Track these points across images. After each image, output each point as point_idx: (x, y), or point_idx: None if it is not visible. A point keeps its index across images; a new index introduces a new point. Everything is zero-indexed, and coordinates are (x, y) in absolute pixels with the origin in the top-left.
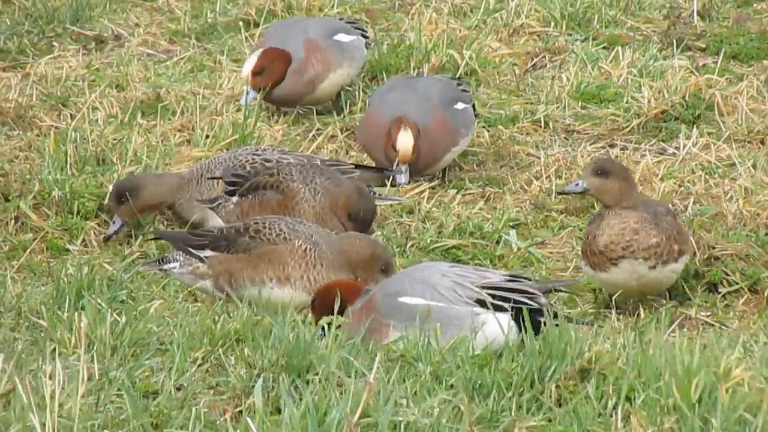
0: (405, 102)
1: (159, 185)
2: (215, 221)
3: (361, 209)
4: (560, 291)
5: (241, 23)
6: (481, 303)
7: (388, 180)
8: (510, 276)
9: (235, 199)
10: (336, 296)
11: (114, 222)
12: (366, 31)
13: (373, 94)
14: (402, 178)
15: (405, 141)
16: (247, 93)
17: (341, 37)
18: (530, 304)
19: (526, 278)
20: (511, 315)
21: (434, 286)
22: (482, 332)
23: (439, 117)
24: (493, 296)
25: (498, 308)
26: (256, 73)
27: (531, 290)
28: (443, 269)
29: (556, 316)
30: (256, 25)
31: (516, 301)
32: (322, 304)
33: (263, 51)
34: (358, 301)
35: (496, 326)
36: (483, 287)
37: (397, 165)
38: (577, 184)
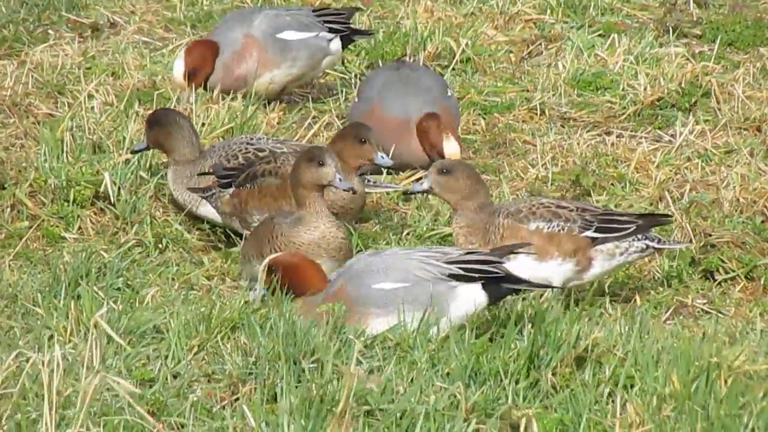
0: (409, 96)
1: (182, 138)
2: (205, 209)
3: (362, 129)
4: (518, 254)
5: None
6: (454, 277)
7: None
8: (468, 251)
9: (230, 190)
10: (299, 279)
11: (143, 141)
12: (344, 24)
13: (366, 87)
14: None
15: (454, 149)
16: (185, 96)
17: (288, 35)
18: (496, 272)
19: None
20: (481, 285)
21: (405, 269)
22: (459, 303)
23: (442, 109)
24: (463, 269)
25: (468, 279)
26: (191, 74)
27: (492, 258)
28: (404, 252)
29: (520, 281)
30: None
31: (483, 270)
32: (283, 279)
33: (186, 50)
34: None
35: (471, 296)
36: (448, 262)
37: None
38: (421, 183)
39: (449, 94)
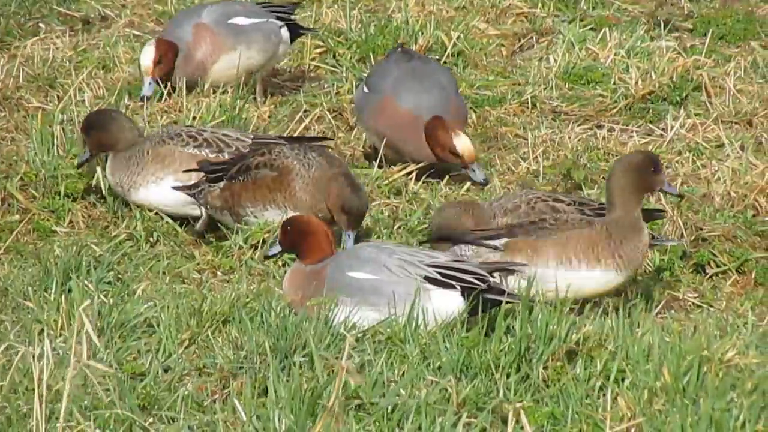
0: (424, 93)
1: (122, 130)
2: (146, 193)
3: (355, 205)
4: (508, 270)
5: None
6: (430, 280)
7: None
8: (457, 258)
9: (221, 184)
10: (306, 245)
11: (85, 152)
12: (290, 14)
13: (378, 78)
14: (479, 176)
15: (464, 143)
16: (150, 84)
17: (239, 20)
18: (477, 283)
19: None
20: (460, 293)
21: (383, 263)
22: (432, 307)
23: (454, 106)
24: (442, 275)
25: (447, 286)
26: (157, 63)
27: (478, 270)
28: (391, 248)
29: (503, 293)
30: None
31: (464, 280)
32: (291, 235)
33: (157, 42)
34: (312, 265)
35: (446, 302)
36: (431, 266)
37: (466, 166)
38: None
39: (458, 90)
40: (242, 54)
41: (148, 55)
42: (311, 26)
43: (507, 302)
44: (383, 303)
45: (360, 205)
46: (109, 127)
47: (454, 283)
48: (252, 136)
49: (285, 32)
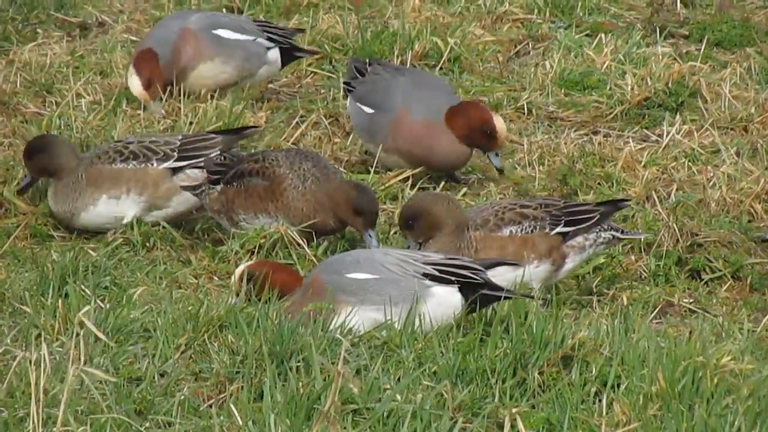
0: (433, 98)
1: (65, 155)
2: (103, 209)
3: (365, 204)
4: (505, 264)
5: (224, 10)
6: (429, 277)
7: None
8: (449, 256)
9: (219, 187)
10: (271, 282)
11: (26, 176)
12: (289, 38)
13: (383, 96)
14: (500, 162)
15: (502, 123)
16: (155, 104)
17: (223, 32)
18: (475, 278)
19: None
20: (458, 289)
21: (380, 262)
22: (433, 304)
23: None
24: (440, 271)
25: (446, 282)
26: (148, 87)
27: (473, 265)
28: (383, 249)
29: (499, 289)
30: (240, 11)
31: (461, 276)
32: (260, 285)
33: (135, 65)
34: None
35: (447, 298)
36: (427, 264)
37: (492, 148)
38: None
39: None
40: (218, 66)
41: (136, 86)
42: (306, 29)
43: (505, 297)
44: (387, 302)
45: (370, 201)
46: (51, 151)
47: (452, 279)
48: (180, 137)
49: (274, 54)
